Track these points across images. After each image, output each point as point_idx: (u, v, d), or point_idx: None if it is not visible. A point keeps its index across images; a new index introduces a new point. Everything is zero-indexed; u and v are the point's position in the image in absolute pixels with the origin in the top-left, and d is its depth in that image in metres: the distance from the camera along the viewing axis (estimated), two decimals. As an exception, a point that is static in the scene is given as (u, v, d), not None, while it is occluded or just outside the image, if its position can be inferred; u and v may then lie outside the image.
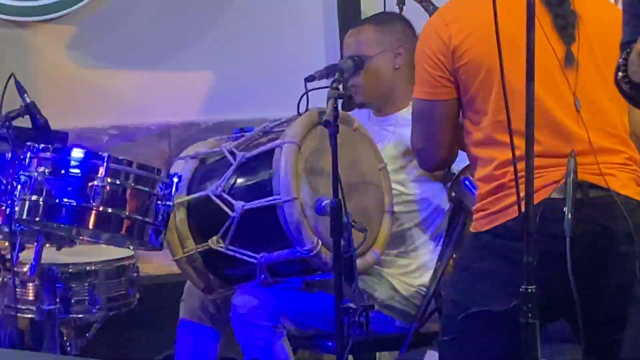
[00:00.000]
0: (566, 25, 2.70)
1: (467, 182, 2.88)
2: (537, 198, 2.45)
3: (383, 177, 3.45)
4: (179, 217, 3.29)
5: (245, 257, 3.24)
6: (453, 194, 2.97)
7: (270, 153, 3.22)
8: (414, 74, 2.90)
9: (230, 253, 3.25)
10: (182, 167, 3.38)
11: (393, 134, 3.62)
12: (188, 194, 3.33)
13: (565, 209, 2.53)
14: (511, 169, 2.54)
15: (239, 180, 3.30)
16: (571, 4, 2.72)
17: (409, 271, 3.59)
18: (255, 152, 3.28)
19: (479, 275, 2.71)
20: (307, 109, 3.26)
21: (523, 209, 2.20)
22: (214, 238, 3.26)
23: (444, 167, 3.06)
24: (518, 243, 2.21)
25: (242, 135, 3.46)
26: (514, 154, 2.29)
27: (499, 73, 2.63)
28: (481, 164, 2.76)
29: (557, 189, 2.61)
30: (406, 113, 3.54)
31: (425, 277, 3.59)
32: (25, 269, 3.26)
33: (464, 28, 2.73)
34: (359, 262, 3.13)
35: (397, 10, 4.15)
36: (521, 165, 2.23)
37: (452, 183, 2.98)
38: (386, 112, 3.67)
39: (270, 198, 3.16)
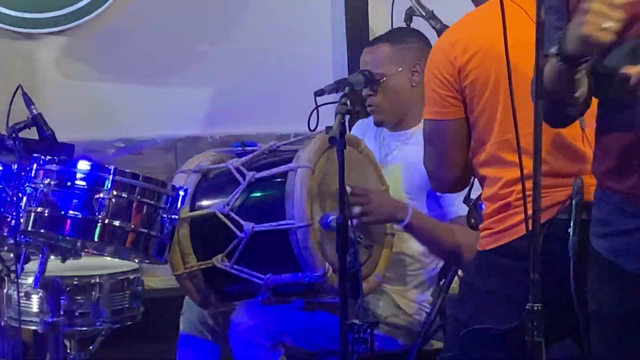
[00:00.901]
0: None
1: (484, 207, 2.87)
2: (542, 218, 2.43)
3: None
4: (182, 232, 3.27)
5: (251, 278, 3.23)
6: (472, 221, 2.95)
7: (282, 175, 3.20)
8: None
9: (235, 272, 3.24)
10: (185, 180, 3.36)
11: (399, 151, 3.62)
12: (191, 208, 3.31)
13: (570, 229, 2.53)
14: (517, 187, 2.54)
15: (249, 200, 3.26)
16: None
17: (411, 287, 3.58)
18: (266, 173, 3.25)
19: (484, 294, 2.70)
20: (317, 125, 3.25)
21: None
22: (219, 256, 3.24)
23: (457, 189, 3.04)
24: (523, 262, 2.19)
25: (245, 151, 3.45)
26: (522, 172, 2.28)
27: (504, 92, 2.64)
28: (488, 184, 2.76)
29: (563, 209, 2.61)
30: (417, 132, 3.51)
31: (428, 293, 3.58)
32: (29, 281, 3.26)
33: (469, 48, 2.74)
34: (362, 285, 3.11)
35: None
36: (528, 184, 2.22)
37: (470, 209, 2.96)
38: (400, 128, 3.65)
39: (284, 222, 3.13)
